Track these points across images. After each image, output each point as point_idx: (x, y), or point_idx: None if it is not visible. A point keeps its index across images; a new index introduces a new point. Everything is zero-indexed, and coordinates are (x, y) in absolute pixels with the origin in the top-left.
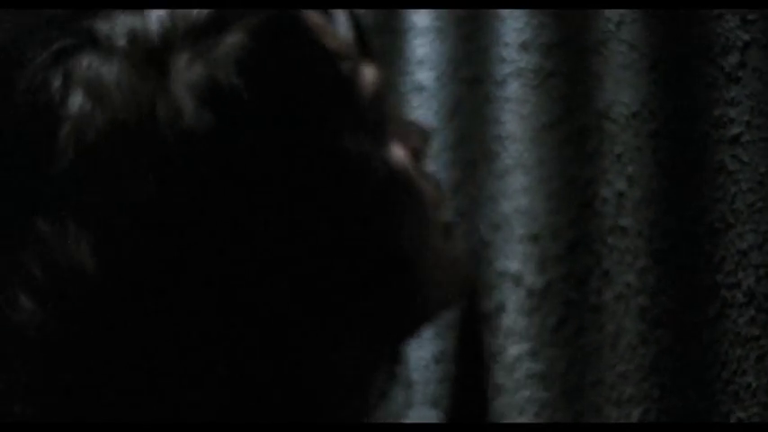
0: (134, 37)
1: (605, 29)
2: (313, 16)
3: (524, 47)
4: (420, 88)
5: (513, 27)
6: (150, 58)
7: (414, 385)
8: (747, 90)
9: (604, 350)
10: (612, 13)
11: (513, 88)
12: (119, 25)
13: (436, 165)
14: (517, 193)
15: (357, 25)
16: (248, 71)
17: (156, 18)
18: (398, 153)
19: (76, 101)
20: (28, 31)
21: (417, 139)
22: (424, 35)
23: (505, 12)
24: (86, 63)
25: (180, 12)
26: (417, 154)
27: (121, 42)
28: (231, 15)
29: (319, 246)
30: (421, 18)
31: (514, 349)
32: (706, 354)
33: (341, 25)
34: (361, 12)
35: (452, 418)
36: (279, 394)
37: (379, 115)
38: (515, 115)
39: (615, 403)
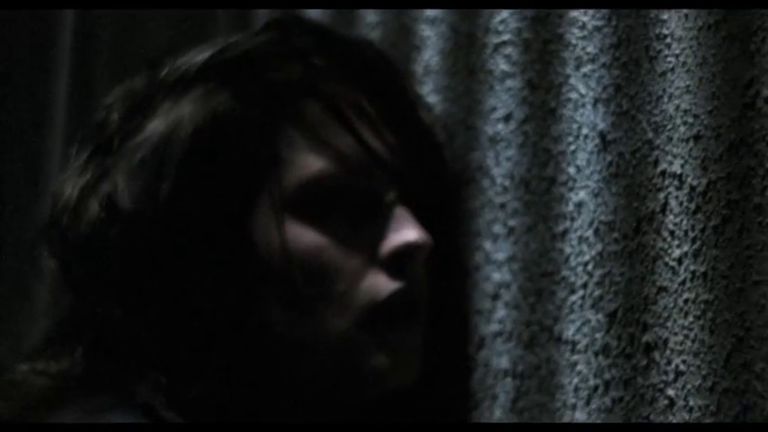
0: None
1: None
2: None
3: None
4: None
5: None
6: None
7: None
8: None
9: (767, 250)
10: None
11: None
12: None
13: (597, 65)
14: (680, 92)
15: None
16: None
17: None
18: None
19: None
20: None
21: None
22: None
23: None
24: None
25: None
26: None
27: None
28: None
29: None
30: None
31: (677, 250)
32: None
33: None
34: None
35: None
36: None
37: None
38: (677, 14)
39: None
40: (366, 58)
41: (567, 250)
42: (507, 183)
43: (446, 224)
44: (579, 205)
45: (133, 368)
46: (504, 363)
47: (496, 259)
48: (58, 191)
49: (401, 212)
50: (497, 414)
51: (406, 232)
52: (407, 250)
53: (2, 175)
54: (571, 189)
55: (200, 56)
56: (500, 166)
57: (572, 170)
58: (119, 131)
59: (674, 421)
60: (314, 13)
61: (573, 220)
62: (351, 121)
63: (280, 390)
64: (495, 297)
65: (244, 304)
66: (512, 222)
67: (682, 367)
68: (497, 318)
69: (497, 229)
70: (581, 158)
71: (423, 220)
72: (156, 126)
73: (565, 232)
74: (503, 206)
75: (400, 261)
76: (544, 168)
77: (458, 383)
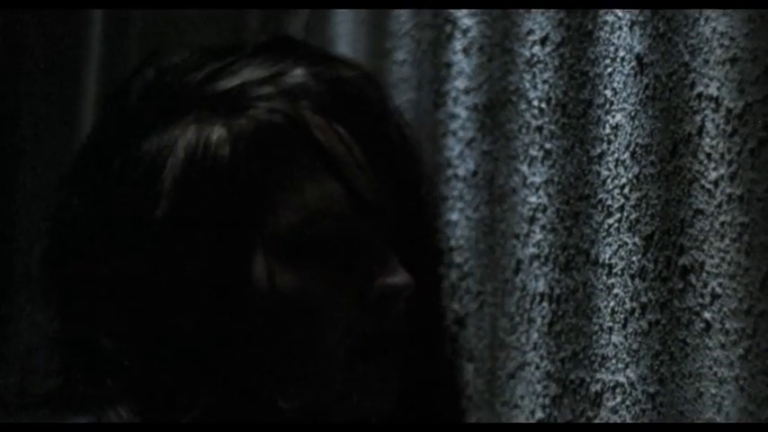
0: None
1: None
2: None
3: None
4: None
5: None
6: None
7: None
8: None
9: None
10: None
11: None
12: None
13: None
14: (716, 15)
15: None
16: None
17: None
18: None
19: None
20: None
21: None
22: None
23: None
24: None
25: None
26: None
27: None
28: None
29: None
30: None
31: (714, 173)
32: None
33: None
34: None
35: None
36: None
37: None
38: None
39: None
40: (355, 93)
41: (604, 173)
42: (544, 106)
43: (422, 253)
44: (616, 128)
45: (110, 392)
46: (540, 286)
47: (533, 182)
48: (50, 211)
49: (387, 254)
50: (534, 338)
51: (392, 277)
52: (392, 293)
53: (30, 172)
54: (608, 112)
55: (190, 75)
56: (536, 89)
57: (608, 93)
58: (112, 150)
59: (710, 344)
60: None
61: (609, 142)
62: (338, 166)
63: (261, 421)
64: (532, 220)
65: (227, 337)
66: (548, 145)
67: (718, 290)
68: (534, 241)
69: (534, 152)
70: (617, 81)
71: (402, 250)
72: (148, 147)
73: (601, 155)
74: (539, 129)
75: (385, 303)
76: (581, 91)
77: (436, 404)
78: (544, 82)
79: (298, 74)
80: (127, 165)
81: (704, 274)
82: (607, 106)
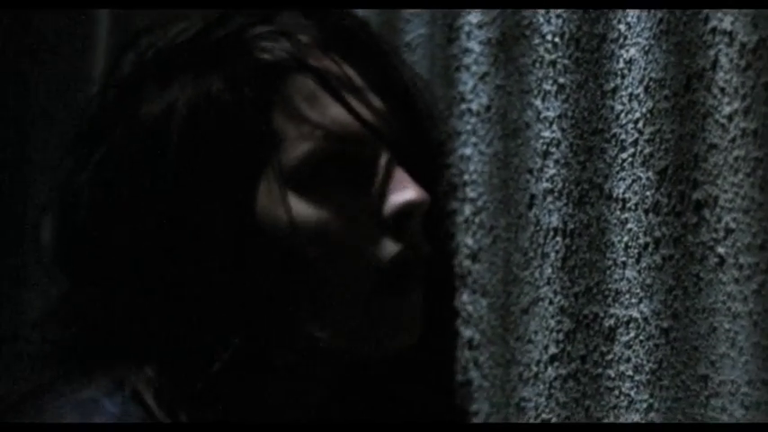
0: None
1: None
2: None
3: None
4: None
5: None
6: None
7: None
8: None
9: None
10: None
11: None
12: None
13: None
14: None
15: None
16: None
17: None
18: None
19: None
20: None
21: None
22: None
23: None
24: None
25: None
26: None
27: None
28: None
29: None
30: None
31: (727, 107)
32: None
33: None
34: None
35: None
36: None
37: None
38: None
39: None
40: (350, 30)
41: (618, 108)
42: (557, 40)
43: (432, 180)
44: (629, 62)
45: (127, 357)
46: (554, 221)
47: (546, 117)
48: (57, 184)
49: (397, 173)
50: (547, 273)
51: (405, 192)
52: (408, 209)
53: (38, 162)
54: (621, 46)
55: (182, 37)
56: (550, 24)
57: (622, 27)
58: (112, 120)
59: (724, 279)
60: None
61: (623, 77)
62: (340, 91)
63: (288, 364)
64: (546, 155)
65: (253, 283)
66: (562, 80)
67: (732, 225)
68: (547, 176)
69: (547, 86)
70: (631, 15)
71: (414, 177)
72: (149, 110)
73: (615, 89)
74: (553, 63)
75: (402, 220)
76: (594, 25)
77: (446, 347)
78: (557, 16)
79: (292, 15)
80: (130, 130)
81: (718, 209)
82: (621, 40)
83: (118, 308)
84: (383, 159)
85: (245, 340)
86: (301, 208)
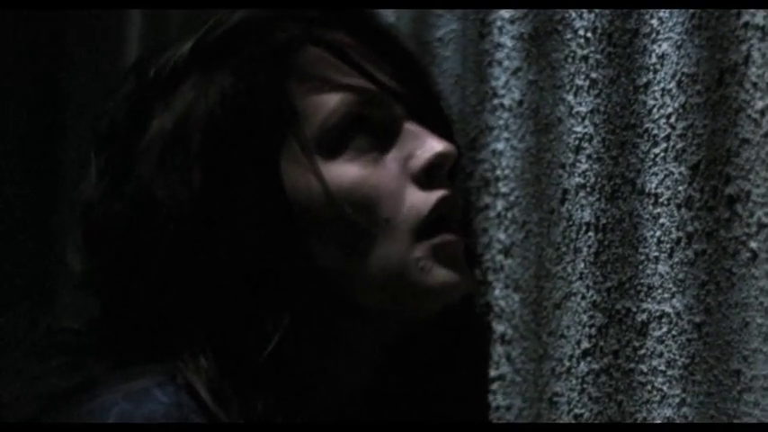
0: None
1: None
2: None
3: None
4: None
5: None
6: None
7: None
8: None
9: None
10: None
11: None
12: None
13: None
14: None
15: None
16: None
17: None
18: None
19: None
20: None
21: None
22: None
23: None
24: None
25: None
26: None
27: None
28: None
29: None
30: None
31: (760, 102)
32: None
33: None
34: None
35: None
36: None
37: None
38: None
39: None
40: (356, 16)
41: (650, 102)
42: (590, 35)
43: (448, 137)
44: (662, 57)
45: (178, 349)
46: (586, 216)
47: (579, 112)
48: (80, 200)
49: (418, 129)
50: (580, 267)
51: (431, 145)
52: (437, 161)
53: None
54: (654, 41)
55: (184, 45)
56: (582, 18)
57: (655, 22)
58: (126, 137)
59: (757, 274)
60: None
61: (656, 72)
62: (352, 58)
63: (340, 334)
64: (578, 150)
65: (295, 257)
66: (594, 75)
67: (764, 219)
68: (580, 171)
69: (580, 81)
70: (664, 10)
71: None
72: (163, 121)
73: (647, 84)
74: (585, 58)
75: (432, 172)
76: (627, 20)
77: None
78: (590, 11)
79: (288, 7)
80: (149, 142)
81: (750, 204)
82: (653, 35)
83: (165, 301)
84: (402, 119)
85: (294, 316)
86: (332, 170)
